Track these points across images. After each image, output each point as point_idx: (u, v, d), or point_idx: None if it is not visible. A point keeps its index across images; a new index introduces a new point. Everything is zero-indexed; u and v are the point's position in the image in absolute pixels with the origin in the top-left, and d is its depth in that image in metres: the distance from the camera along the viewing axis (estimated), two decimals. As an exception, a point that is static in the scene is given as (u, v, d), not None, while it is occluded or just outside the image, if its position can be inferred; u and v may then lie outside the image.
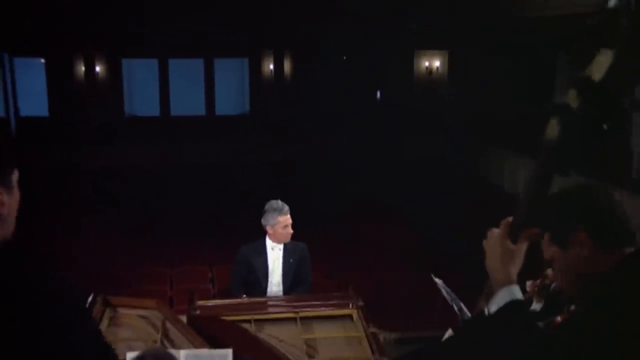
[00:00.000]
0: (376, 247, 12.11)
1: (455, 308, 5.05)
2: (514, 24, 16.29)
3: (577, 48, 2.01)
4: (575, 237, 2.16)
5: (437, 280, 5.53)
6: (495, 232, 2.26)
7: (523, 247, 2.24)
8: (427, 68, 21.40)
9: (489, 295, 2.27)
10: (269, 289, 6.42)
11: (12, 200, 1.94)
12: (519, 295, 2.18)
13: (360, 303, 5.25)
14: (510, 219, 2.24)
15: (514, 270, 2.22)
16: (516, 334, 2.12)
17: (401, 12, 17.95)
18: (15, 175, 1.98)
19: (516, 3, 15.63)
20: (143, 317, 4.82)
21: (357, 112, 20.28)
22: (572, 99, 1.95)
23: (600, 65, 1.88)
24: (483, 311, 2.25)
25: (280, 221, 6.32)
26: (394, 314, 8.30)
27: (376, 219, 13.92)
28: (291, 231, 6.41)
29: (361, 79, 20.60)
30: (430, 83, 21.27)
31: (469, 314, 4.72)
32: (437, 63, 21.40)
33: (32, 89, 20.40)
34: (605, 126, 1.93)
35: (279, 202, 6.39)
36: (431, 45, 20.81)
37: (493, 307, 2.18)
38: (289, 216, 6.35)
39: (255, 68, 21.25)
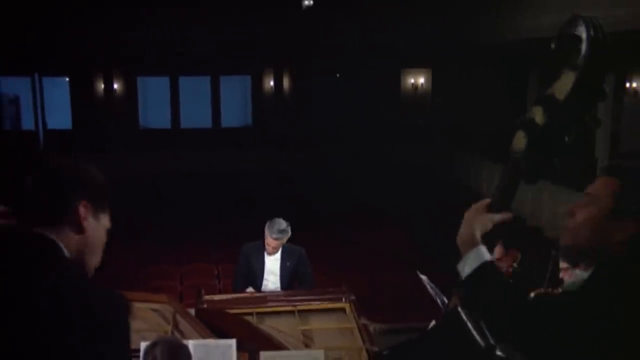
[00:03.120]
0: (370, 249, 12.06)
1: (439, 302, 5.04)
2: (491, 45, 16.33)
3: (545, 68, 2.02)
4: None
5: (422, 276, 5.51)
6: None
7: (493, 216, 2.14)
8: (412, 84, 21.41)
9: (460, 293, 2.23)
10: (264, 287, 6.38)
11: (96, 228, 1.88)
12: (487, 256, 2.09)
13: (353, 297, 5.23)
14: (488, 200, 2.18)
15: (478, 232, 2.12)
16: (494, 294, 2.04)
17: (389, 34, 18.01)
18: (105, 216, 1.92)
19: (493, 27, 15.68)
20: (155, 310, 4.79)
21: (349, 124, 20.29)
22: (537, 114, 1.95)
23: (564, 85, 1.88)
24: (457, 307, 2.21)
25: (269, 241, 6.28)
26: (384, 309, 8.29)
27: (370, 223, 13.88)
28: (271, 252, 6.35)
29: (353, 94, 20.61)
30: (416, 98, 21.27)
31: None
32: (421, 80, 21.41)
33: (58, 105, 20.43)
34: (567, 139, 1.93)
35: (282, 225, 6.25)
36: (416, 64, 20.83)
37: (466, 268, 2.09)
38: (276, 242, 6.24)
39: (257, 84, 21.25)
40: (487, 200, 2.19)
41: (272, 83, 21.08)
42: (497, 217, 2.15)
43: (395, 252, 11.86)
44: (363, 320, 4.95)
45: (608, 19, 11.51)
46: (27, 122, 20.91)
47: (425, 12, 17.78)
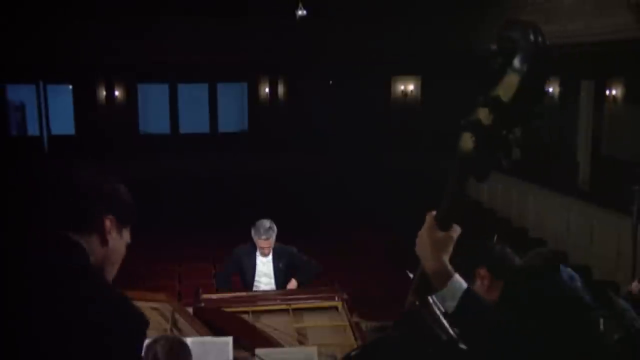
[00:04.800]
0: (363, 250, 12.05)
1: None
2: (477, 53, 16.37)
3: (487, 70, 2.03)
4: (478, 272, 2.35)
5: (411, 275, 5.50)
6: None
7: (451, 235, 2.11)
8: (402, 91, 21.42)
9: (418, 288, 2.20)
10: (256, 288, 6.34)
11: (118, 243, 1.90)
12: (464, 283, 2.08)
13: (345, 296, 5.23)
14: (434, 212, 2.15)
15: (446, 257, 2.09)
16: (483, 319, 2.07)
17: (380, 42, 18.07)
18: (127, 232, 1.94)
19: (479, 35, 15.72)
20: (155, 308, 4.78)
21: (342, 129, 20.29)
22: (483, 115, 1.94)
23: (509, 86, 1.87)
24: (414, 304, 2.18)
25: (258, 242, 6.25)
26: (375, 306, 8.27)
27: (363, 225, 13.86)
28: (267, 251, 6.30)
29: (346, 101, 20.61)
30: (405, 104, 21.29)
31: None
32: (411, 87, 21.42)
33: (62, 111, 20.41)
34: (511, 137, 1.93)
35: (266, 224, 6.21)
36: (406, 71, 20.85)
37: (449, 302, 2.06)
38: (266, 241, 6.20)
39: (253, 91, 21.27)
40: (432, 214, 2.15)
41: (267, 90, 21.10)
42: (455, 235, 2.13)
43: (386, 252, 11.85)
44: (355, 318, 4.95)
45: (589, 30, 11.58)
46: (32, 128, 20.90)
47: (414, 22, 17.83)
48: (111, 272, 1.91)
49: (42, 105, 20.26)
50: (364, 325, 5.12)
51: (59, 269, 1.71)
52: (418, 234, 2.17)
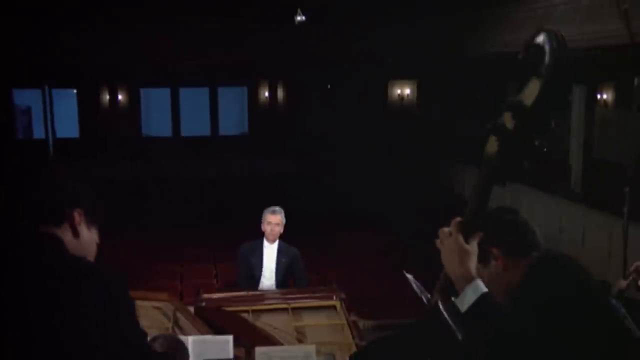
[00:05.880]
0: (360, 250, 12.03)
1: (424, 299, 5.01)
2: (472, 58, 16.38)
3: (513, 77, 2.04)
4: (490, 253, 2.17)
5: (408, 275, 5.48)
6: (447, 232, 2.15)
7: (475, 245, 2.13)
8: (399, 95, 21.42)
9: (443, 289, 2.20)
10: (261, 283, 6.39)
11: (88, 237, 2.03)
12: (484, 288, 2.07)
13: (343, 295, 5.22)
14: (458, 219, 2.14)
15: (472, 265, 2.10)
16: (493, 323, 2.03)
17: (378, 47, 18.08)
18: (95, 230, 2.09)
19: (474, 41, 15.73)
20: (157, 308, 4.76)
21: (340, 132, 20.31)
22: (507, 120, 1.95)
23: (531, 92, 1.89)
24: (437, 303, 2.18)
25: (266, 218, 6.33)
26: (372, 306, 8.26)
27: (361, 226, 13.85)
28: (276, 230, 6.37)
29: (343, 105, 20.63)
30: (402, 108, 21.29)
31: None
32: (407, 91, 21.41)
33: (66, 115, 20.42)
34: (537, 143, 1.94)
35: (276, 207, 6.42)
36: (403, 76, 20.86)
37: (465, 303, 2.06)
38: (276, 217, 6.34)
39: (253, 95, 21.29)
40: (456, 221, 2.15)
41: (267, 94, 21.11)
42: (476, 244, 2.14)
43: (384, 252, 11.84)
44: (353, 317, 4.94)
45: (580, 36, 11.58)
46: (38, 132, 20.94)
47: (411, 26, 17.82)
48: None
49: (48, 109, 20.27)
50: (361, 324, 5.11)
51: (42, 260, 1.82)
52: (439, 242, 2.17)
